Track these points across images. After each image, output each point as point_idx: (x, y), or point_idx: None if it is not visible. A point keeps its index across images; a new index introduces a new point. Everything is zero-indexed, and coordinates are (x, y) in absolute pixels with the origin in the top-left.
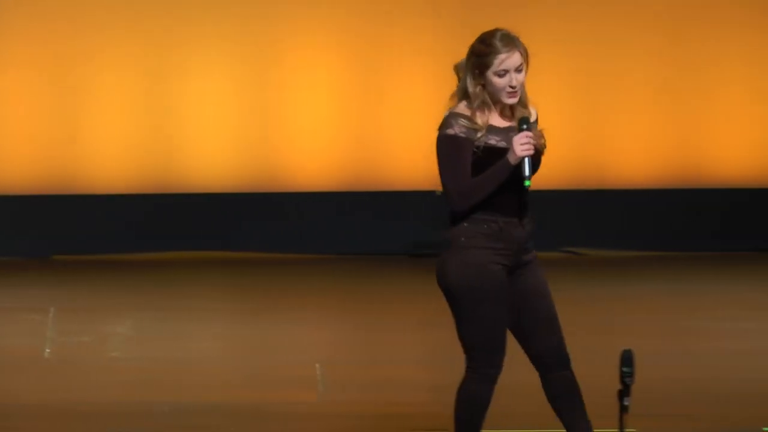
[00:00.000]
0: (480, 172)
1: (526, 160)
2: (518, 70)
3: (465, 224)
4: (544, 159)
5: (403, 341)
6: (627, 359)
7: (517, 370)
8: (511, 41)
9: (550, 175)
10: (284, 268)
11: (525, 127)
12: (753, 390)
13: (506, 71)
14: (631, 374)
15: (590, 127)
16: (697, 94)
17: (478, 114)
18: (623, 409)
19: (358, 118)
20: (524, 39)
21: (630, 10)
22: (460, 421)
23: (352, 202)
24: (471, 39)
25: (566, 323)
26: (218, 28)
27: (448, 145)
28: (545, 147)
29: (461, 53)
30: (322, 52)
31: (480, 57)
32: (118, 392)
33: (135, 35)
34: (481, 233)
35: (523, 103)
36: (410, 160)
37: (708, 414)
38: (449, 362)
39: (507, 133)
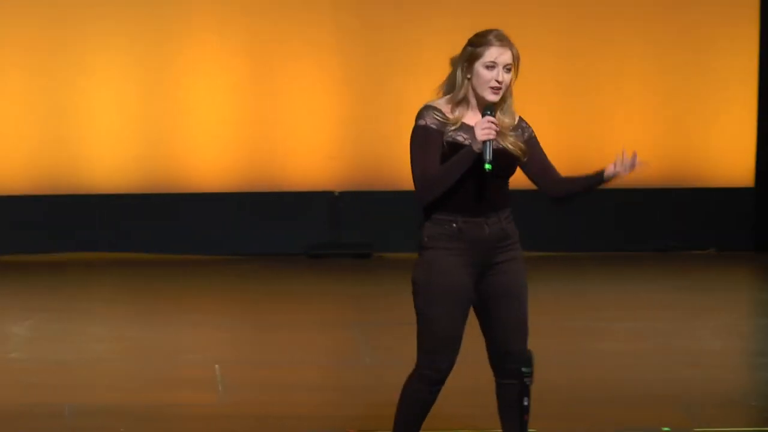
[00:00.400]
0: None
1: (488, 144)
2: (507, 68)
3: (428, 224)
4: None
5: (303, 342)
6: (526, 360)
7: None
8: (505, 39)
9: None
10: (182, 269)
11: (489, 112)
12: (652, 390)
13: (495, 64)
14: (530, 374)
15: None
16: (595, 93)
17: (455, 109)
18: (523, 410)
19: (256, 118)
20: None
21: (523, 5)
22: (396, 418)
23: (249, 203)
24: (369, 36)
25: (468, 325)
26: (113, 26)
27: (418, 136)
28: (524, 153)
29: (359, 52)
30: (219, 50)
31: (473, 47)
32: (17, 394)
33: (28, 33)
34: (442, 233)
35: (506, 111)
36: (309, 161)
37: (608, 415)
38: (349, 364)
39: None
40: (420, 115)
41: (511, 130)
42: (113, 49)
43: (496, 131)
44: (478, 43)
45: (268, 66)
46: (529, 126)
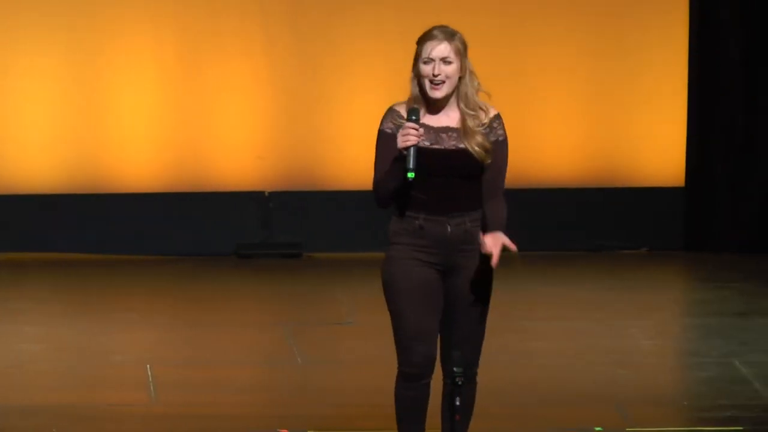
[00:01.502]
0: None
1: (411, 151)
2: (445, 61)
3: (394, 219)
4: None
5: (234, 342)
6: (458, 360)
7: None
8: (443, 33)
9: (369, 175)
10: (112, 269)
11: (414, 118)
12: (585, 390)
13: (431, 60)
14: (462, 374)
15: None
16: (519, 89)
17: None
18: (456, 410)
19: (185, 117)
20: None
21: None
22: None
23: (179, 203)
24: (299, 35)
25: None
26: (38, 20)
27: (377, 140)
28: (488, 155)
29: (289, 50)
30: (147, 48)
31: (417, 45)
32: None
33: None
34: (405, 229)
35: (471, 105)
36: (238, 160)
37: (540, 414)
38: (280, 363)
39: (438, 133)
40: (382, 119)
41: (479, 127)
42: (40, 44)
43: (417, 137)
44: (419, 41)
45: (196, 65)
46: (502, 128)
